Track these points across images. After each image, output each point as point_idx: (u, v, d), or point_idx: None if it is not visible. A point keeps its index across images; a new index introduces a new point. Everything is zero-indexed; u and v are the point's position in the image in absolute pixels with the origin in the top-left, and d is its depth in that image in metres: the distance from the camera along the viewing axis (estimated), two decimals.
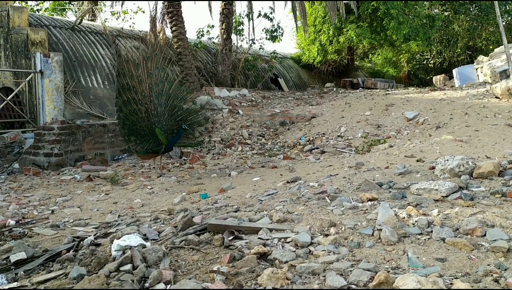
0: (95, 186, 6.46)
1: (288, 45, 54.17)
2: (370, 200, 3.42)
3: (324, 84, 21.39)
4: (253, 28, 23.43)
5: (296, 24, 18.38)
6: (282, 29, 19.09)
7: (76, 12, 23.15)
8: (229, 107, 13.00)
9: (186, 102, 7.79)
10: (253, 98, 15.14)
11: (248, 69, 18.08)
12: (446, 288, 2.00)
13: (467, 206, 3.02)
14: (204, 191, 5.85)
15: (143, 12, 31.50)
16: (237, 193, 5.15)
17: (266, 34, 18.86)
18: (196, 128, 7.94)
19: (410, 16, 18.91)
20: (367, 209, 3.18)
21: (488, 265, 2.23)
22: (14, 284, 2.60)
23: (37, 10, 22.98)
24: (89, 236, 3.49)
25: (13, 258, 3.02)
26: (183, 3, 14.97)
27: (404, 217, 2.89)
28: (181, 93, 7.69)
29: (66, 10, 23.92)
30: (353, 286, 2.09)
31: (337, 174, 5.20)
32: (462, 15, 22.33)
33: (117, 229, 3.64)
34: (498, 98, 10.55)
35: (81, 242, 3.26)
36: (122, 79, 7.16)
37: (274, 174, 6.89)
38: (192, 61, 15.14)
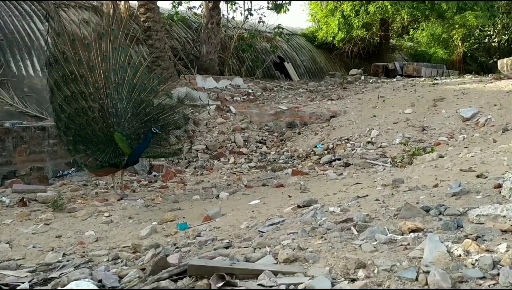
0: (30, 213, 6.44)
1: (299, 18, 54.42)
2: (412, 231, 3.42)
3: (348, 70, 21.54)
4: None
5: None
6: None
7: None
8: (217, 103, 13.08)
9: (157, 95, 7.81)
10: (250, 91, 15.23)
11: (243, 50, 18.20)
12: None
13: None
14: (182, 219, 5.83)
15: None
16: (228, 222, 5.14)
17: (268, 2, 19.02)
18: (172, 132, 7.98)
19: None
20: (408, 244, 3.18)
21: None
22: None
23: None
24: (23, 283, 3.47)
25: None
26: None
27: (460, 255, 2.89)
28: (150, 83, 7.73)
29: None
30: None
31: (366, 195, 5.20)
32: None
33: (61, 273, 3.63)
34: None
35: None
36: (64, 66, 7.16)
37: (280, 195, 6.90)
38: (166, 39, 15.24)
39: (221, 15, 17.39)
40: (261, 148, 10.99)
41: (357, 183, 6.84)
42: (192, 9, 18.77)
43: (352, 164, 9.06)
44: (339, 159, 9.49)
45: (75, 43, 7.24)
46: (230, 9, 19.16)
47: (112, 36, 7.40)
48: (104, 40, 7.35)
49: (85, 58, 7.22)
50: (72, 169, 9.08)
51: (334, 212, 4.44)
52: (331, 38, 21.94)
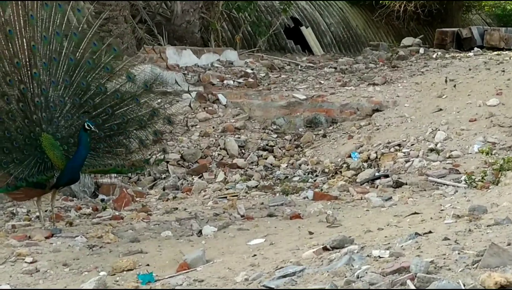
0: None
1: None
2: (502, 287, 3.42)
3: (400, 39, 21.50)
4: None
5: None
6: None
7: None
8: (198, 89, 13.03)
9: (112, 77, 7.79)
10: (248, 70, 15.18)
11: (239, 8, 18.17)
12: None
13: None
14: (146, 268, 5.81)
15: None
16: (216, 273, 5.11)
17: None
18: (134, 134, 7.92)
19: None
20: None
21: None
22: None
23: None
24: None
25: None
26: None
27: None
28: (101, 59, 7.70)
29: None
30: None
31: (430, 232, 5.18)
32: None
33: None
34: None
35: None
36: None
37: (296, 231, 6.86)
38: None
39: None
40: (266, 159, 10.94)
41: (415, 213, 6.80)
42: None
43: (406, 184, 8.98)
44: (387, 176, 9.43)
45: None
46: None
47: None
48: None
49: None
50: None
51: (380, 257, 4.42)
52: None
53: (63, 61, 7.46)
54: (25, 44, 7.26)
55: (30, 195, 7.58)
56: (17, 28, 7.23)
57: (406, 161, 9.92)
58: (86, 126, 7.03)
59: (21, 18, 7.25)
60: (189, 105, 12.35)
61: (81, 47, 7.57)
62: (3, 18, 7.21)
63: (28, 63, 7.26)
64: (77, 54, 7.54)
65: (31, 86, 7.29)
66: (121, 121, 7.69)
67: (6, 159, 7.15)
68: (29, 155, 7.21)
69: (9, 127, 7.19)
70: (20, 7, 7.24)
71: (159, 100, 8.30)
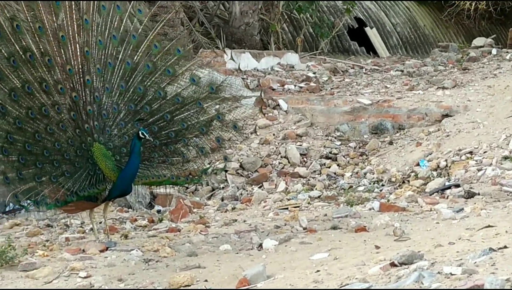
0: None
1: None
2: None
3: (471, 40, 21.21)
4: None
5: None
6: None
7: None
8: (258, 94, 13.00)
9: (174, 80, 7.76)
10: (310, 74, 15.17)
11: (300, 9, 18.18)
12: None
13: None
14: (204, 284, 5.84)
15: None
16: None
17: None
18: (193, 141, 7.87)
19: None
20: None
21: None
22: None
23: None
24: None
25: None
26: None
27: None
28: (164, 60, 7.68)
29: None
30: None
31: (505, 247, 5.07)
32: None
33: None
34: None
35: None
36: (12, 40, 7.08)
37: (361, 245, 6.81)
38: None
39: None
40: (329, 167, 10.93)
41: (489, 226, 6.63)
42: None
43: (478, 194, 8.87)
44: (458, 186, 9.31)
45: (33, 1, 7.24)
46: None
47: None
48: None
49: (51, 25, 7.20)
50: (29, 201, 9.14)
51: (451, 274, 4.33)
52: None
53: (119, 66, 7.47)
54: (78, 50, 7.27)
55: (81, 208, 7.61)
56: (70, 33, 7.25)
57: (479, 170, 9.80)
58: (140, 134, 7.00)
59: (74, 22, 7.27)
60: (251, 110, 12.32)
61: (139, 50, 7.55)
62: (56, 23, 7.22)
63: (80, 70, 7.29)
64: (135, 58, 7.53)
65: (83, 94, 7.32)
66: (180, 127, 7.67)
67: (56, 172, 7.17)
68: (80, 167, 7.22)
69: (59, 138, 7.22)
70: (74, 11, 7.26)
71: (217, 106, 8.25)
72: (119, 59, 7.47)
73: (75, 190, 7.16)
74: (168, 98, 7.68)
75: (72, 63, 7.27)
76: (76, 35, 7.28)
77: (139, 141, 7.05)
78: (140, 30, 7.80)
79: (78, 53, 7.29)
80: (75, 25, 7.27)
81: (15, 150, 7.17)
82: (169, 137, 7.63)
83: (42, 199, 7.21)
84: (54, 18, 7.24)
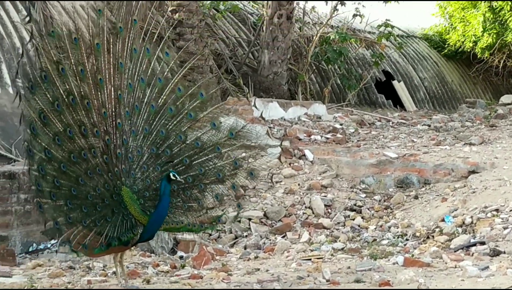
0: None
1: (417, 12, 54.36)
2: None
3: (498, 96, 21.21)
4: None
5: None
6: None
7: None
8: (285, 144, 13.06)
9: (195, 125, 7.80)
10: (337, 125, 15.19)
11: (328, 60, 18.32)
12: None
13: None
14: None
15: None
16: None
17: None
18: (210, 187, 7.88)
19: None
20: None
21: None
22: None
23: None
24: None
25: None
26: None
27: None
28: (186, 104, 7.72)
29: None
30: None
31: None
32: None
33: None
34: None
35: None
36: (57, 84, 7.18)
37: None
38: (206, 39, 15.56)
39: (295, 4, 17.64)
40: (354, 220, 10.89)
41: None
42: None
43: (504, 252, 8.82)
44: (483, 243, 9.25)
45: (77, 44, 7.28)
46: None
47: (131, 32, 7.42)
48: (118, 39, 7.38)
49: (91, 68, 7.30)
50: (52, 241, 9.17)
51: None
52: (471, 44, 21.68)
53: (144, 108, 7.49)
54: (112, 92, 7.34)
55: (114, 252, 7.49)
56: (107, 76, 7.33)
57: (504, 228, 9.73)
58: (171, 176, 7.04)
59: (111, 65, 7.37)
60: (278, 159, 12.39)
61: (163, 93, 7.61)
62: (95, 66, 7.29)
63: (113, 113, 7.32)
64: (159, 101, 7.57)
65: (114, 137, 7.34)
66: (198, 172, 7.66)
67: (96, 218, 7.12)
68: (115, 211, 7.17)
69: (98, 183, 7.19)
70: (111, 55, 7.36)
71: (243, 154, 8.26)
72: (144, 102, 7.51)
73: (117, 235, 7.13)
74: (188, 142, 7.69)
75: (107, 106, 7.31)
76: (112, 78, 7.33)
77: (168, 184, 7.10)
78: (166, 72, 7.86)
79: (112, 96, 7.34)
80: (112, 68, 7.34)
81: (63, 195, 7.15)
82: (187, 182, 7.58)
83: (88, 245, 7.11)
84: (94, 60, 7.32)
